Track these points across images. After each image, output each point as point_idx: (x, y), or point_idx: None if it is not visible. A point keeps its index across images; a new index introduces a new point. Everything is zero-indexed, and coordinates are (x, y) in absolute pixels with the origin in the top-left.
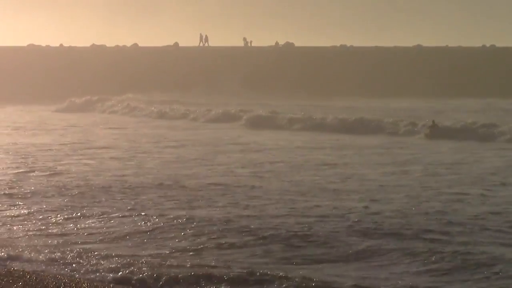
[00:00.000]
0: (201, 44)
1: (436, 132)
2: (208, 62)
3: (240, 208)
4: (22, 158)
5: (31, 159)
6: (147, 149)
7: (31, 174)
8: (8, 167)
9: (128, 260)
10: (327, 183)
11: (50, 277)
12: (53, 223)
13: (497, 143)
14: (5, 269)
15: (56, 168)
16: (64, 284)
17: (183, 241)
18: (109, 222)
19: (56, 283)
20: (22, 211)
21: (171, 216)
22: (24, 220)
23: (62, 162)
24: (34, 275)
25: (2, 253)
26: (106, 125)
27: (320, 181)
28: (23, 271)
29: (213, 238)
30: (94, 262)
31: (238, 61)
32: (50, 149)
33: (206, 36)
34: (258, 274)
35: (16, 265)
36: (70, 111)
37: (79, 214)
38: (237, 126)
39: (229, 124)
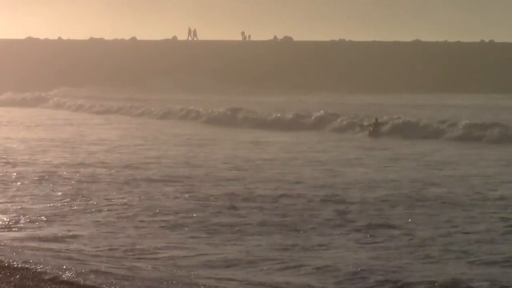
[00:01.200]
0: (189, 38)
1: (379, 130)
2: (204, 56)
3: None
4: None
5: None
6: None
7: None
8: None
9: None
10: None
11: (47, 270)
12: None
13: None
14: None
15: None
16: (60, 278)
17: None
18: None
19: (55, 275)
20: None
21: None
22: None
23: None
24: (31, 269)
25: None
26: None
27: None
28: (21, 263)
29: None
30: (83, 258)
31: (235, 56)
32: None
33: (195, 30)
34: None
35: (13, 258)
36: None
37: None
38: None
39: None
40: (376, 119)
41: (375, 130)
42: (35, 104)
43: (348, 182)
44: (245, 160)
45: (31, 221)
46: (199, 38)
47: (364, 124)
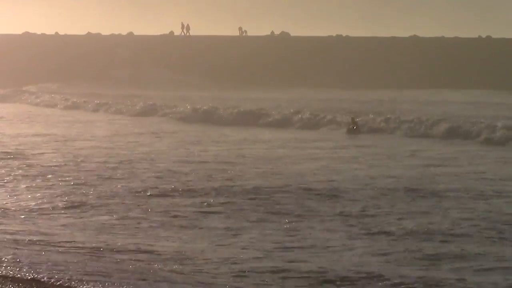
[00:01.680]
0: (182, 33)
1: (356, 128)
2: (200, 51)
3: None
4: None
5: None
6: None
7: None
8: None
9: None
10: None
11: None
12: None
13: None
14: None
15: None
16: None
17: None
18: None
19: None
20: None
21: None
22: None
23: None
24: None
25: None
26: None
27: None
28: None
29: None
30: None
31: (231, 51)
32: None
33: (188, 25)
34: None
35: None
36: None
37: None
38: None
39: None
40: (353, 118)
41: (353, 128)
42: (17, 99)
43: (342, 179)
44: (235, 157)
45: (15, 218)
46: (195, 33)
47: (343, 121)
